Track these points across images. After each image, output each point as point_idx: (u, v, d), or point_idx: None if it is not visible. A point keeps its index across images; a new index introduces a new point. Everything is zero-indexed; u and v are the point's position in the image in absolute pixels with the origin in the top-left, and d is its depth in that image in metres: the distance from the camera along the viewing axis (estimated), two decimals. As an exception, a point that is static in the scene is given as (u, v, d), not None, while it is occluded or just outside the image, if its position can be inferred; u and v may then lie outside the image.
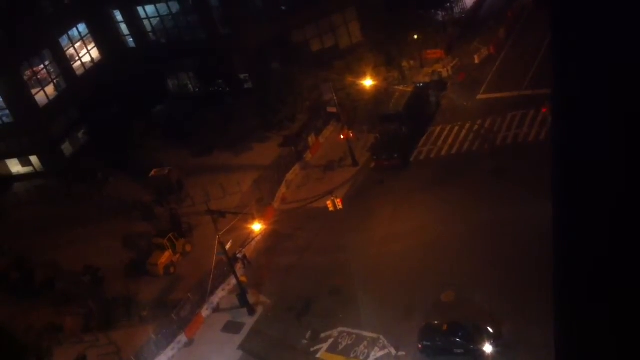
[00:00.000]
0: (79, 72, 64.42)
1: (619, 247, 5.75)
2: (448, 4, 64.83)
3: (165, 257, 46.89)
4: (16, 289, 47.79)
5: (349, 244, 44.48)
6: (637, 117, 4.85)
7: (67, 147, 62.25)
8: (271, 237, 47.92)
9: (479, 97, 55.78)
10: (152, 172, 54.34)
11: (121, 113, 60.43)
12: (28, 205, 57.77)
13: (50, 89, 61.77)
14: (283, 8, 63.10)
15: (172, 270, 47.05)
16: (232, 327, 41.87)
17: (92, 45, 66.13)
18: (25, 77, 60.11)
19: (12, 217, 56.51)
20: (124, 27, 67.95)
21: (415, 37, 60.95)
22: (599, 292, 6.07)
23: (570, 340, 6.92)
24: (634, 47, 4.53)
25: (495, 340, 34.25)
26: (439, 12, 64.75)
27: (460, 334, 34.83)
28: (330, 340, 38.52)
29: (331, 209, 44.89)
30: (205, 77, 62.96)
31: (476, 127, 52.20)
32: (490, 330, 34.63)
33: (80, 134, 63.07)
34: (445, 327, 35.31)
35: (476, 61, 59.82)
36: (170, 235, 47.67)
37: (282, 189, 51.64)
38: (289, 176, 52.64)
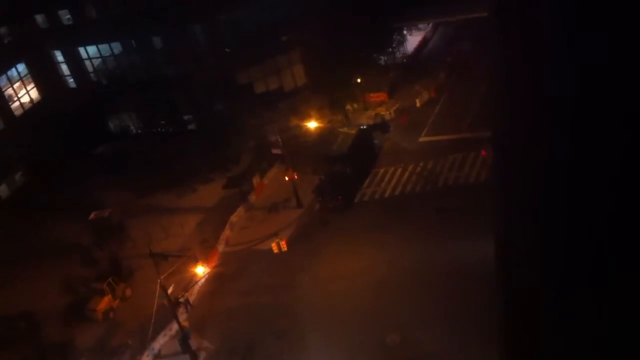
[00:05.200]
0: (17, 112, 63.00)
1: (558, 281, 5.86)
2: (390, 49, 66.30)
3: (104, 303, 45.56)
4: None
5: (294, 286, 44.11)
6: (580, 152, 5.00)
7: (3, 189, 60.39)
8: (215, 280, 47.17)
9: (421, 139, 56.80)
10: (92, 215, 53.09)
11: (61, 153, 59.13)
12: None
13: (-14, 130, 60.20)
14: (227, 50, 63.39)
15: (111, 315, 45.71)
16: (174, 374, 40.71)
17: (32, 85, 64.88)
18: (-39, 117, 58.49)
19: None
20: (64, 68, 67.04)
21: (359, 80, 61.97)
22: (541, 323, 6.15)
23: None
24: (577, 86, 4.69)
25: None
26: (382, 57, 66.10)
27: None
28: (275, 385, 37.85)
29: (276, 251, 44.65)
30: (147, 117, 62.36)
31: (419, 169, 53.01)
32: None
33: (17, 176, 61.31)
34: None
35: (418, 104, 61.11)
36: (109, 279, 46.44)
37: (226, 231, 51.06)
38: (233, 218, 52.15)
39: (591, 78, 4.22)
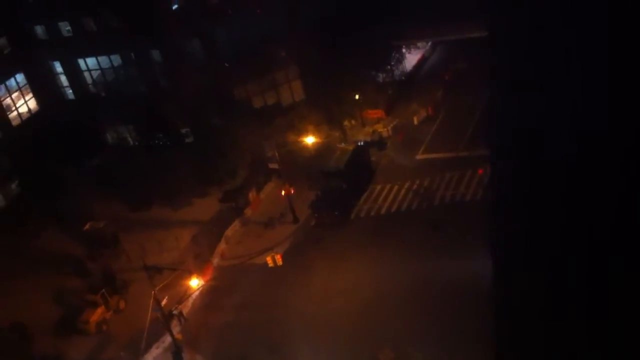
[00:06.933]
0: (15, 122, 62.94)
1: (555, 298, 5.87)
2: (389, 66, 66.59)
3: (97, 314, 45.29)
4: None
5: (289, 301, 43.96)
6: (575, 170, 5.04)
7: (-1, 199, 60.22)
8: (209, 294, 46.98)
9: (418, 157, 56.90)
10: (87, 226, 52.95)
11: (58, 164, 59.01)
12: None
13: (-17, 139, 60.06)
14: (226, 65, 63.54)
15: (104, 327, 45.41)
16: (166, 387, 40.42)
17: (30, 95, 64.92)
18: (-42, 126, 58.35)
19: None
20: (63, 79, 67.11)
21: (357, 97, 62.16)
22: (540, 340, 6.14)
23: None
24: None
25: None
26: (380, 74, 66.36)
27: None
28: (268, 401, 37.59)
29: (271, 265, 44.59)
30: (145, 129, 62.35)
31: (415, 186, 53.04)
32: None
33: (13, 186, 61.11)
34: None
35: (415, 122, 61.27)
36: (103, 291, 46.22)
37: (222, 245, 50.96)
38: (229, 232, 52.06)
39: (596, 94, 4.26)
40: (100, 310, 45.50)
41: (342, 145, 59.98)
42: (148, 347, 42.23)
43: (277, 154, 52.20)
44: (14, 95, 63.79)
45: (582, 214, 4.73)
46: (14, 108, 63.31)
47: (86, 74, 66.02)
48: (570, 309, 5.16)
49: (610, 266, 4.67)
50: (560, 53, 4.29)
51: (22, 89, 64.44)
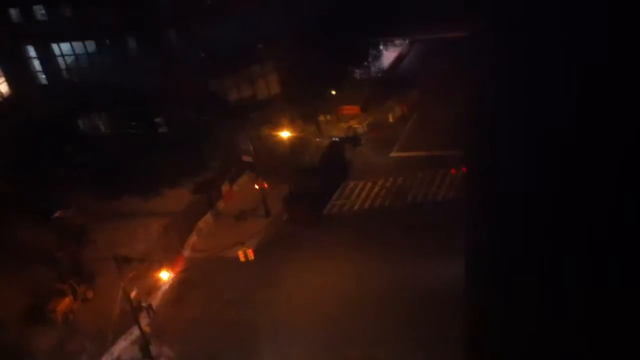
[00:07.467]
0: (-14, 106, 61.93)
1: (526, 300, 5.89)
2: (366, 63, 66.59)
3: (64, 304, 44.74)
4: None
5: (259, 297, 43.79)
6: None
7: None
8: (179, 286, 46.64)
9: (392, 154, 57.06)
10: (56, 214, 52.28)
11: (27, 150, 58.05)
12: None
13: (-49, 122, 58.90)
14: (202, 55, 62.97)
15: (71, 317, 44.91)
16: (132, 380, 40.11)
17: (2, 79, 63.83)
18: None
19: None
20: (37, 63, 66.03)
21: (333, 92, 62.11)
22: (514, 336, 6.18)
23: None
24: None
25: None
26: (357, 70, 66.34)
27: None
28: (235, 396, 37.50)
29: (242, 259, 44.48)
30: (117, 118, 61.65)
31: (388, 184, 53.20)
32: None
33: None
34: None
35: (390, 120, 61.41)
36: (71, 281, 45.69)
37: (193, 237, 50.66)
38: (201, 224, 51.75)
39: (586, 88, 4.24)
40: (67, 300, 44.95)
41: (317, 140, 59.91)
42: (115, 339, 41.85)
43: (251, 147, 51.96)
44: (-15, 78, 62.78)
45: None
46: (-16, 92, 62.32)
47: (60, 59, 65.02)
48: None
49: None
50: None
51: (-6, 72, 63.43)
